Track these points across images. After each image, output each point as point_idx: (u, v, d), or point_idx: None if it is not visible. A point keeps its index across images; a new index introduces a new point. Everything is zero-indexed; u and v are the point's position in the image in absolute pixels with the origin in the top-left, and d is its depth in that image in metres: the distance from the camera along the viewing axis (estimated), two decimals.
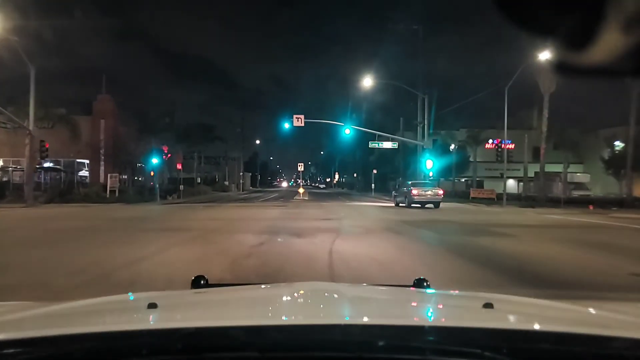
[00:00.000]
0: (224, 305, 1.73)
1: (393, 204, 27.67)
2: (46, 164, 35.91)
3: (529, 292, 4.65)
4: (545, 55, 21.96)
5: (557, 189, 33.04)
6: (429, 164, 31.09)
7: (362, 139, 44.28)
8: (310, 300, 1.86)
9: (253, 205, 27.85)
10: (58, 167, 36.95)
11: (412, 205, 24.51)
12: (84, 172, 39.27)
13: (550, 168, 31.77)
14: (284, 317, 1.58)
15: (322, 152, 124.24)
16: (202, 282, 2.03)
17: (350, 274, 6.44)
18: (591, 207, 25.03)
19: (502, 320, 1.46)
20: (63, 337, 1.10)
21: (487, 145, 44.47)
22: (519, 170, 38.52)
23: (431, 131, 33.12)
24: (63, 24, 29.03)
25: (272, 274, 6.30)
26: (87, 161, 38.59)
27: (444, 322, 1.48)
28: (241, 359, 1.06)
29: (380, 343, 1.05)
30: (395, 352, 1.03)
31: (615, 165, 34.99)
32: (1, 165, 36.02)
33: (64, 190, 30.88)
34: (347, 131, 32.74)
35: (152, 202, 29.91)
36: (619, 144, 36.59)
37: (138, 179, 41.36)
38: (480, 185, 43.23)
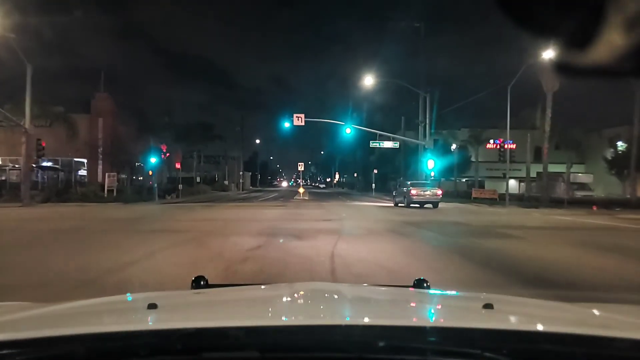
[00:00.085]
0: (224, 305, 1.73)
1: (392, 204, 27.60)
2: (46, 163, 35.65)
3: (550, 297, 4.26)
4: (548, 54, 21.59)
5: (560, 190, 32.63)
6: (431, 164, 30.75)
7: (363, 139, 44.07)
8: (310, 300, 1.86)
9: (252, 205, 27.51)
10: (56, 166, 36.64)
11: (411, 205, 24.58)
12: (83, 172, 38.93)
13: (552, 168, 31.38)
14: (284, 318, 1.58)
15: (322, 152, 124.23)
16: (202, 282, 2.02)
17: (354, 281, 6.06)
18: (595, 208, 24.77)
19: (502, 320, 1.45)
20: (63, 337, 1.09)
21: (488, 145, 44.14)
22: (520, 170, 38.18)
23: (433, 131, 32.74)
24: (62, 22, 28.77)
25: (270, 282, 5.90)
26: (85, 160, 38.21)
27: (444, 322, 1.47)
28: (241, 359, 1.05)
29: (381, 344, 1.05)
30: (396, 353, 1.03)
31: (619, 165, 34.63)
32: None
33: (61, 189, 30.58)
34: (348, 130, 32.40)
35: (150, 202, 29.57)
36: (622, 144, 36.23)
37: (137, 178, 41.02)
38: (481, 185, 42.89)
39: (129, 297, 1.93)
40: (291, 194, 48.32)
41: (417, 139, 33.70)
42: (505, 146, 29.71)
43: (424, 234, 12.46)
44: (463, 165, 43.43)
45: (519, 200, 30.77)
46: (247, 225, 13.74)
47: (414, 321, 1.49)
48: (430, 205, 24.53)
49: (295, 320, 1.42)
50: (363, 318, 1.53)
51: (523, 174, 37.24)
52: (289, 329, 1.23)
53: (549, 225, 15.47)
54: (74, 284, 5.69)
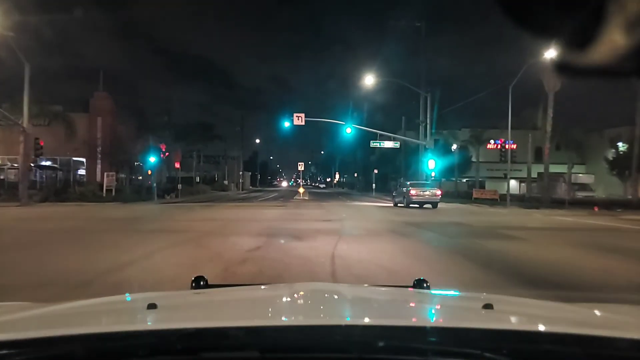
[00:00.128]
0: (224, 305, 1.72)
1: (392, 204, 27.61)
2: (45, 163, 35.48)
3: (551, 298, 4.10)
4: (550, 54, 21.45)
5: (561, 190, 32.47)
6: (432, 164, 30.60)
7: (363, 139, 43.95)
8: (310, 300, 1.84)
9: (252, 205, 27.35)
10: (54, 165, 36.47)
11: (411, 205, 24.62)
12: (83, 171, 38.75)
13: (553, 169, 31.21)
14: (284, 318, 1.58)
15: (322, 152, 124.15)
16: (201, 282, 2.01)
17: (355, 283, 5.91)
18: (596, 209, 24.61)
19: (502, 321, 1.44)
20: (63, 337, 1.09)
21: (488, 146, 44.00)
22: (520, 170, 38.02)
23: (433, 130, 32.59)
24: (61, 21, 28.59)
25: (269, 283, 5.75)
26: (84, 159, 38.02)
27: (444, 322, 1.47)
28: None
29: (381, 344, 1.04)
30: (396, 353, 1.03)
31: (620, 166, 34.48)
32: None
33: (60, 189, 30.41)
34: (349, 130, 32.26)
35: (149, 202, 29.42)
36: (623, 145, 36.08)
37: (136, 178, 40.85)
38: (481, 185, 42.73)
39: (128, 297, 1.91)
40: (291, 194, 48.18)
41: (418, 139, 33.55)
42: (507, 146, 29.52)
43: (425, 234, 12.31)
44: (464, 165, 43.28)
45: (520, 200, 30.60)
46: (246, 226, 13.58)
47: (414, 321, 1.48)
48: (429, 206, 24.59)
49: (295, 321, 1.42)
50: (363, 318, 1.53)
51: (524, 174, 37.08)
52: (289, 329, 1.23)
53: (550, 226, 15.32)
54: (70, 285, 5.53)
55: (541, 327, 1.30)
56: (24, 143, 24.90)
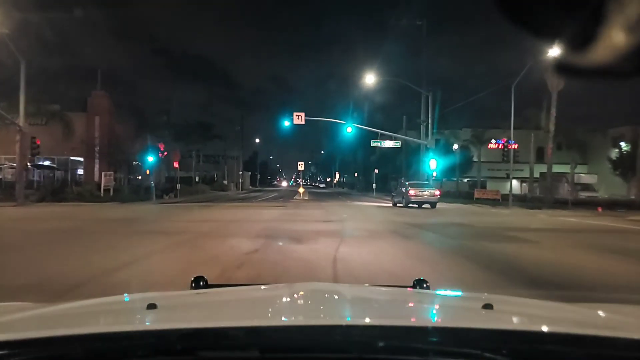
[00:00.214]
0: (224, 305, 1.71)
1: (391, 204, 27.55)
2: (45, 162, 35.17)
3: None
4: (555, 52, 21.09)
5: (564, 190, 32.12)
6: (433, 164, 30.26)
7: (364, 139, 43.68)
8: (310, 301, 1.83)
9: (251, 206, 27.01)
10: (52, 165, 36.15)
11: (409, 205, 24.62)
12: (81, 171, 38.40)
13: (555, 168, 30.83)
14: (284, 318, 1.58)
15: (322, 152, 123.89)
16: (201, 282, 1.99)
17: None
18: (600, 209, 24.26)
19: (501, 321, 1.44)
20: (62, 338, 1.08)
21: (490, 145, 43.66)
22: (522, 170, 37.69)
23: (435, 130, 32.25)
24: (60, 20, 28.22)
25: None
26: (82, 159, 37.67)
27: (444, 323, 1.46)
28: None
29: (381, 344, 1.04)
30: (396, 353, 1.03)
31: (623, 166, 34.17)
32: None
33: (57, 188, 30.03)
34: (349, 129, 31.95)
35: (147, 202, 29.06)
36: (626, 144, 35.77)
37: (134, 178, 40.50)
38: (482, 186, 42.40)
39: (128, 297, 1.90)
40: (291, 193, 47.85)
41: (419, 139, 33.20)
42: (510, 146, 29.16)
43: (429, 236, 11.97)
44: (465, 165, 42.97)
45: (522, 201, 30.25)
46: (245, 227, 13.23)
47: (414, 321, 1.48)
48: (428, 206, 24.61)
49: (295, 321, 1.41)
50: (363, 318, 1.53)
51: (525, 174, 36.74)
52: (289, 329, 1.22)
53: (557, 228, 14.93)
54: (53, 291, 5.17)
55: (541, 327, 1.28)
56: (21, 142, 24.66)
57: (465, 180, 45.77)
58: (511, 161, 28.65)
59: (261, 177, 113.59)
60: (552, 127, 28.57)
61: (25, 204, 23.60)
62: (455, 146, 42.29)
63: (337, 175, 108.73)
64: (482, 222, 15.99)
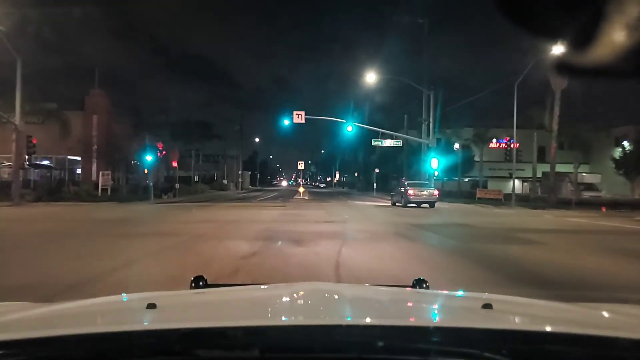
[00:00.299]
0: (224, 305, 1.70)
1: (390, 204, 27.43)
2: (44, 162, 34.79)
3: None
4: (558, 50, 20.70)
5: (567, 190, 31.73)
6: (435, 163, 29.89)
7: (364, 138, 43.38)
8: (310, 300, 1.81)
9: (250, 205, 26.64)
10: (49, 164, 35.77)
11: (408, 205, 24.54)
12: (79, 170, 38.03)
13: (557, 168, 30.45)
14: (283, 318, 1.57)
15: (322, 151, 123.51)
16: (201, 282, 1.97)
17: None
18: (604, 209, 23.86)
19: (501, 320, 1.43)
20: (61, 338, 1.07)
21: (491, 145, 43.33)
22: (524, 170, 37.35)
23: (436, 129, 31.87)
24: (59, 18, 27.93)
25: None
26: (79, 158, 37.29)
27: (444, 322, 1.45)
28: None
29: (381, 344, 1.04)
30: (396, 353, 1.03)
31: (626, 165, 33.80)
32: None
33: (54, 188, 29.68)
34: (350, 128, 31.55)
35: (145, 201, 28.68)
36: (629, 144, 35.39)
37: (133, 177, 40.14)
38: (484, 185, 42.00)
39: (127, 297, 1.87)
40: (291, 193, 47.52)
41: (420, 138, 32.82)
42: (512, 145, 28.79)
43: (434, 238, 11.60)
44: (466, 164, 42.61)
45: (524, 200, 29.84)
46: (242, 228, 12.85)
47: (414, 321, 1.47)
48: (427, 205, 24.52)
49: (295, 320, 1.41)
50: (363, 318, 1.52)
51: (527, 173, 36.42)
52: (288, 329, 1.22)
53: (565, 228, 14.52)
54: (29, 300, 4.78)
55: (541, 327, 1.28)
56: (16, 141, 24.30)
57: (467, 179, 45.41)
58: (514, 161, 28.29)
59: (261, 176, 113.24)
60: (555, 126, 28.17)
61: (21, 204, 23.27)
62: (457, 145, 41.94)
63: (338, 175, 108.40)
64: (488, 222, 15.56)
